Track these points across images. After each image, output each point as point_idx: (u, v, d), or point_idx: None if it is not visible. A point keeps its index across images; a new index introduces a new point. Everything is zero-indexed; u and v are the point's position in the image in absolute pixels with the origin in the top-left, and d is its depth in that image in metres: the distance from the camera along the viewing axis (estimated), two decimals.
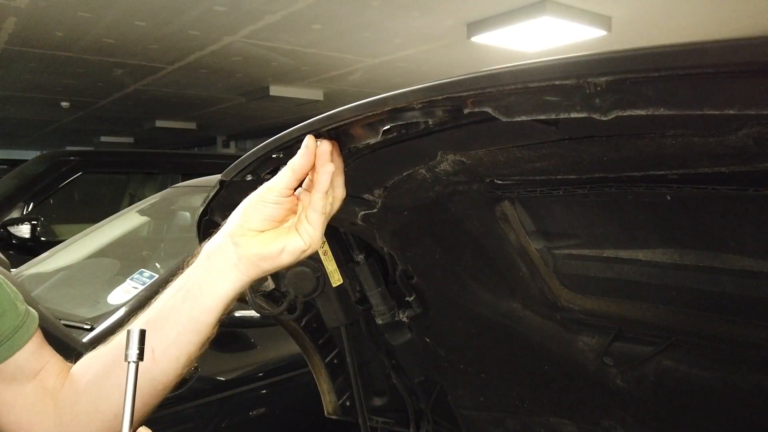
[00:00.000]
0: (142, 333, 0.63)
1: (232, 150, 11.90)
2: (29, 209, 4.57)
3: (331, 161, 0.73)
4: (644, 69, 0.47)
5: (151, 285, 2.12)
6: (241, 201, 0.77)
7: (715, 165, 0.65)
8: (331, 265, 1.22)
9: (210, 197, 1.04)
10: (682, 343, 0.96)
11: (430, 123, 0.70)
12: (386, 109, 0.68)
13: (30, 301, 0.86)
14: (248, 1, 3.86)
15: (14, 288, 0.83)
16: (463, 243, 1.07)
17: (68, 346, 1.75)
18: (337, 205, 0.77)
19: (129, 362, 0.62)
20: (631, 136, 0.65)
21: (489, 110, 0.61)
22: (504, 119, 0.61)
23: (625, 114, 0.52)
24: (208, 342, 0.78)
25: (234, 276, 0.75)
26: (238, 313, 2.01)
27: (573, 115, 0.55)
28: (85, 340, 1.89)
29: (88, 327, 1.95)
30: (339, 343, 1.42)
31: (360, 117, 0.71)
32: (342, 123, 0.73)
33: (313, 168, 0.73)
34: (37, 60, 5.45)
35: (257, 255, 0.74)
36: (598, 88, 0.51)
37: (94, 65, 5.63)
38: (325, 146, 0.73)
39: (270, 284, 1.24)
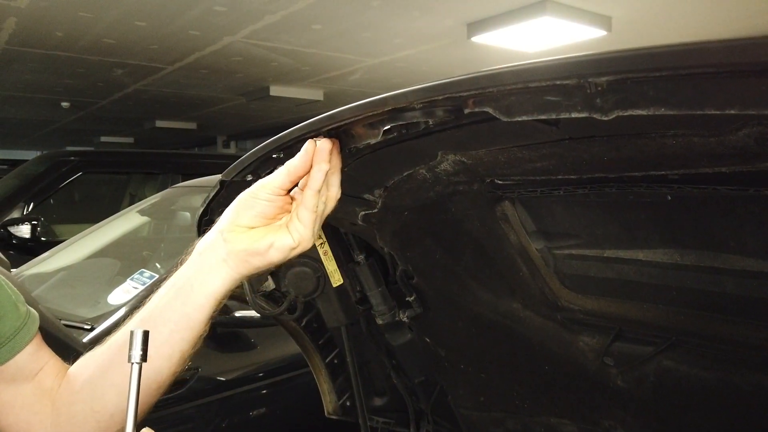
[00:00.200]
0: (146, 334, 0.63)
1: (232, 150, 11.90)
2: (29, 209, 4.57)
3: (329, 160, 0.73)
4: (645, 69, 0.47)
5: (151, 285, 2.12)
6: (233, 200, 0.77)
7: (716, 165, 0.65)
8: (331, 266, 1.22)
9: (210, 197, 1.04)
10: (682, 343, 0.96)
11: (431, 123, 0.70)
12: (387, 109, 0.68)
13: (30, 302, 0.86)
14: (248, 1, 3.86)
15: (15, 289, 0.83)
16: (464, 243, 1.07)
17: (68, 347, 1.75)
18: (331, 205, 0.76)
19: (132, 363, 0.62)
20: (632, 136, 0.65)
21: (489, 110, 0.61)
22: (505, 119, 0.61)
23: (626, 114, 0.52)
24: (201, 340, 0.78)
25: (224, 272, 0.75)
26: (238, 313, 2.01)
27: (574, 115, 0.55)
28: (85, 340, 1.89)
29: (89, 327, 1.96)
30: (339, 343, 1.41)
31: (360, 117, 0.71)
32: (342, 123, 0.73)
33: (310, 167, 0.73)
34: (37, 60, 5.45)
35: (246, 251, 0.74)
36: (599, 88, 0.51)
37: (95, 65, 5.63)
38: (324, 144, 0.73)
39: (270, 284, 1.24)
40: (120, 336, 0.77)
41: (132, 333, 0.63)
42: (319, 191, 0.73)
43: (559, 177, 0.83)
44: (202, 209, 1.09)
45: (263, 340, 2.24)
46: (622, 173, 0.76)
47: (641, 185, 0.77)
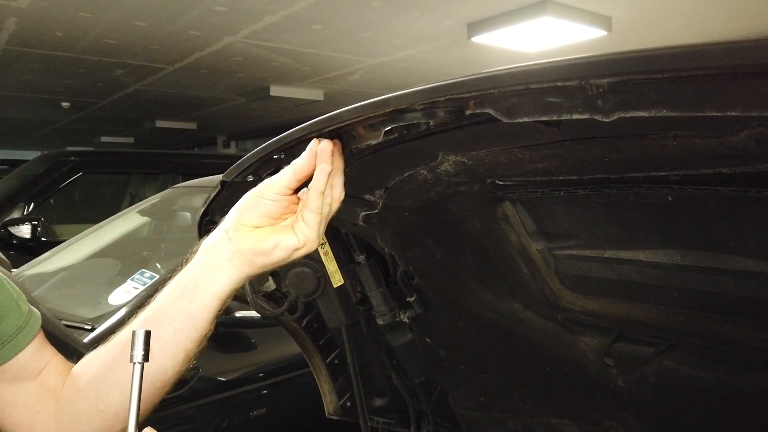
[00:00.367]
0: (147, 334, 0.63)
1: (232, 150, 11.91)
2: (30, 209, 4.57)
3: (330, 161, 0.73)
4: (647, 71, 0.47)
5: (151, 285, 2.12)
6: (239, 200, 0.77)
7: (717, 166, 0.65)
8: (332, 266, 1.22)
9: (211, 198, 1.04)
10: (683, 344, 0.96)
11: (432, 124, 0.70)
12: (388, 110, 0.68)
13: (31, 302, 0.86)
14: (248, 1, 3.86)
15: (17, 288, 0.83)
16: (464, 244, 1.07)
17: (69, 347, 1.75)
18: (335, 206, 0.76)
19: (134, 363, 0.62)
20: (633, 137, 0.65)
21: (491, 111, 0.61)
22: (506, 120, 0.61)
23: (627, 116, 0.52)
24: (206, 339, 0.78)
25: (229, 271, 0.75)
26: (238, 314, 2.01)
27: (575, 116, 0.55)
28: (85, 340, 1.89)
29: (89, 327, 1.96)
30: (340, 343, 1.42)
31: (362, 118, 0.71)
32: (344, 124, 0.73)
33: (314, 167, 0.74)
34: (37, 60, 5.46)
35: (250, 250, 0.74)
36: (601, 90, 0.51)
37: (95, 65, 5.63)
38: (325, 146, 0.73)
39: (271, 285, 1.24)
40: (124, 335, 0.77)
41: (134, 333, 0.63)
42: (323, 192, 0.73)
43: (560, 178, 0.83)
44: (203, 209, 1.10)
45: (264, 341, 2.25)
46: (623, 174, 0.76)
47: (642, 186, 0.77)
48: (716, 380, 0.94)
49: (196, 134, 10.77)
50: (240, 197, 0.78)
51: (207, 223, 1.11)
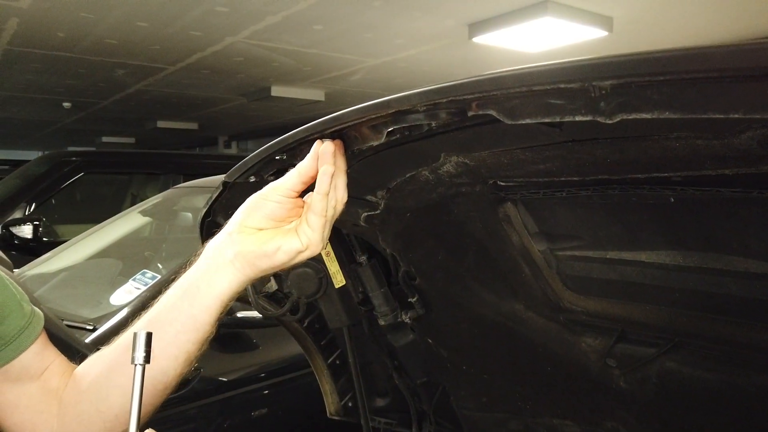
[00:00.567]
0: (149, 336, 0.63)
1: (233, 150, 11.92)
2: (31, 210, 4.58)
3: (333, 162, 0.73)
4: (649, 73, 0.47)
5: (153, 285, 2.12)
6: (243, 202, 0.77)
7: (719, 167, 0.65)
8: (333, 267, 1.22)
9: (213, 198, 1.04)
10: (685, 344, 0.96)
11: (434, 125, 0.70)
12: (390, 112, 0.68)
13: (32, 302, 0.86)
14: (250, 1, 3.86)
15: (20, 288, 0.83)
16: (466, 244, 1.07)
17: (71, 347, 1.75)
18: (339, 208, 0.76)
19: (136, 365, 0.62)
20: (635, 139, 0.65)
21: (493, 113, 0.61)
22: (508, 122, 0.61)
23: (630, 117, 0.52)
24: (207, 342, 0.78)
25: (231, 274, 0.75)
26: (240, 314, 2.02)
27: (578, 118, 0.55)
28: (87, 340, 1.89)
29: (91, 327, 1.96)
30: (341, 344, 1.42)
31: (364, 119, 0.71)
32: (346, 125, 0.73)
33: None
34: (39, 60, 5.46)
35: (253, 252, 0.73)
36: (603, 92, 0.51)
37: (96, 66, 5.64)
38: (327, 147, 0.73)
39: (273, 285, 1.24)
40: (127, 337, 0.77)
41: (135, 335, 0.63)
42: (327, 194, 0.72)
43: (562, 179, 0.83)
44: (205, 210, 1.10)
45: (265, 341, 2.25)
46: (625, 175, 0.76)
47: (644, 187, 0.77)
48: (718, 381, 0.94)
49: (197, 134, 10.78)
50: (242, 198, 0.78)
51: (209, 223, 1.12)
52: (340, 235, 1.22)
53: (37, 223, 4.41)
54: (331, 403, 1.48)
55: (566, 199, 0.89)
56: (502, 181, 0.89)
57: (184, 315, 0.75)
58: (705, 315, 0.90)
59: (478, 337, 1.24)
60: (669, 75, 0.46)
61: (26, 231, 4.36)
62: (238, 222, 0.75)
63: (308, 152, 0.74)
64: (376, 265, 1.24)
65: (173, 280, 0.79)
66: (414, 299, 1.23)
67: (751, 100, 0.45)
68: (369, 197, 1.00)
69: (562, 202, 0.90)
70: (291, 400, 2.27)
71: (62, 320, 1.97)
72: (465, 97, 0.61)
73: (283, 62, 5.53)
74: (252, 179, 0.91)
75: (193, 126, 9.78)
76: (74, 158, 4.93)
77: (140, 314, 0.78)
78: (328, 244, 1.21)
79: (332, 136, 0.76)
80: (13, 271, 2.38)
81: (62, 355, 0.84)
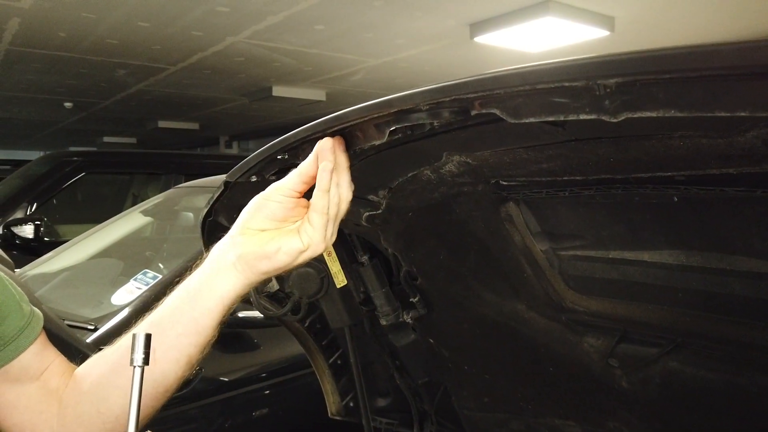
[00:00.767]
0: (148, 337, 0.63)
1: (234, 150, 11.92)
2: (33, 209, 4.58)
3: (332, 159, 0.72)
4: (655, 71, 0.46)
5: (154, 285, 2.12)
6: (245, 202, 0.77)
7: (724, 166, 0.65)
8: (335, 266, 1.22)
9: (214, 198, 1.04)
10: (688, 344, 0.95)
11: (436, 124, 0.69)
12: (393, 111, 0.68)
13: (34, 302, 0.86)
14: (251, 1, 3.86)
15: (19, 289, 0.83)
16: (468, 244, 1.07)
17: (72, 347, 1.75)
18: (344, 206, 0.75)
19: (135, 367, 0.62)
20: (639, 138, 0.65)
21: (496, 112, 0.61)
22: (511, 121, 0.60)
23: (635, 116, 0.52)
24: (209, 345, 0.77)
25: (233, 277, 0.74)
26: (241, 314, 2.02)
27: (582, 116, 0.55)
28: (88, 340, 1.89)
29: (92, 327, 1.96)
30: (343, 343, 1.41)
31: (366, 118, 0.71)
32: (348, 124, 0.72)
33: None
34: (40, 60, 5.47)
35: (254, 254, 0.73)
36: (608, 90, 0.51)
37: (97, 66, 5.64)
38: (325, 143, 0.72)
39: (274, 285, 1.24)
40: (128, 338, 0.77)
41: (134, 336, 0.63)
42: (328, 191, 0.72)
43: (565, 178, 0.82)
44: (206, 210, 1.09)
45: (266, 341, 2.25)
46: (628, 174, 0.76)
47: (648, 186, 0.77)
48: (721, 381, 0.94)
49: (198, 134, 10.78)
50: (243, 198, 0.77)
51: (210, 223, 1.11)
52: (341, 234, 1.22)
53: (39, 222, 4.42)
54: (332, 403, 1.47)
55: (569, 199, 0.88)
56: (505, 181, 0.89)
57: (186, 318, 0.75)
58: (708, 315, 0.90)
59: (479, 337, 1.24)
60: (675, 73, 0.45)
61: (27, 231, 4.36)
62: (241, 224, 0.75)
63: (310, 152, 0.74)
64: (378, 265, 1.24)
65: (177, 281, 0.79)
66: (415, 299, 1.22)
67: (758, 98, 0.45)
68: (371, 197, 1.00)
69: (565, 201, 0.90)
70: (292, 400, 2.26)
71: (63, 320, 1.97)
72: (468, 95, 0.61)
73: (284, 62, 5.53)
74: (253, 179, 0.90)
75: (195, 126, 9.78)
76: (75, 158, 4.94)
77: (143, 316, 0.78)
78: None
79: (334, 135, 0.76)
80: (14, 271, 2.38)
81: (62, 356, 0.84)
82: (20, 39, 4.73)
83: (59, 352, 0.84)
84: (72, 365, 0.84)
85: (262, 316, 1.59)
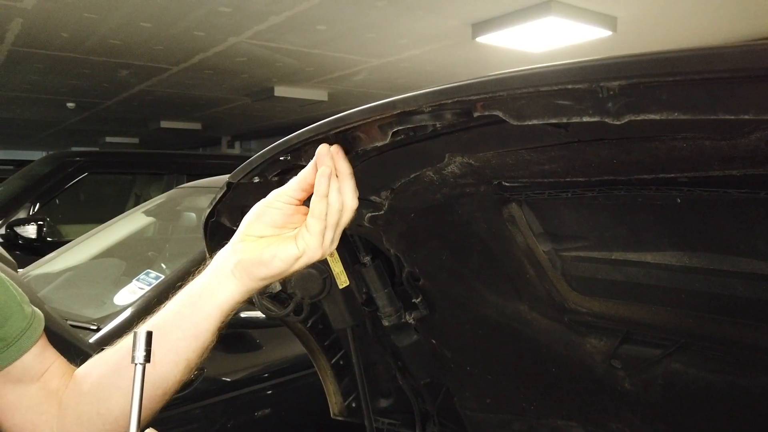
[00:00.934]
0: (149, 335, 0.63)
1: (236, 150, 11.94)
2: (35, 210, 4.59)
3: (330, 163, 0.71)
4: (659, 73, 0.46)
5: (157, 286, 2.12)
6: (248, 202, 0.77)
7: (727, 168, 0.65)
8: (337, 267, 1.22)
9: (217, 199, 1.04)
10: (691, 346, 0.95)
11: (438, 126, 0.70)
12: (395, 112, 0.68)
13: (36, 302, 0.86)
14: (253, 2, 3.86)
15: (20, 290, 0.83)
16: (470, 245, 1.07)
17: (75, 347, 1.76)
18: (348, 215, 0.74)
19: (136, 364, 0.62)
20: (642, 139, 0.65)
21: (499, 114, 0.61)
22: (514, 123, 0.60)
23: (638, 118, 0.52)
24: (208, 350, 0.78)
25: (231, 283, 0.75)
26: (244, 314, 2.02)
27: (585, 119, 0.55)
28: (91, 340, 1.89)
29: (95, 327, 1.96)
30: (345, 344, 1.42)
31: (369, 120, 0.71)
32: (351, 125, 0.73)
33: None
34: (42, 61, 5.48)
35: (251, 260, 0.73)
36: (611, 92, 0.51)
37: (100, 66, 5.65)
38: (323, 149, 0.72)
39: (277, 286, 1.24)
40: (128, 339, 0.77)
41: (135, 334, 0.63)
42: (326, 197, 0.71)
43: (567, 179, 0.82)
44: (208, 210, 1.09)
45: (269, 341, 2.25)
46: (631, 176, 0.76)
47: (650, 188, 0.77)
48: (724, 382, 0.94)
49: (200, 134, 10.79)
50: (246, 198, 0.78)
51: (213, 224, 1.11)
52: (344, 235, 1.22)
53: (41, 223, 4.43)
54: (334, 403, 1.47)
55: (571, 200, 0.88)
56: (507, 182, 0.89)
57: (186, 322, 0.76)
58: (711, 316, 0.90)
59: (482, 338, 1.24)
60: (678, 75, 0.45)
61: (30, 231, 4.37)
62: (242, 231, 0.75)
63: (313, 153, 0.74)
64: (380, 266, 1.24)
65: (179, 285, 0.79)
66: (418, 300, 1.22)
67: (762, 100, 0.45)
68: (373, 198, 1.00)
69: (567, 202, 0.90)
70: (294, 401, 2.27)
71: (66, 320, 1.97)
72: (471, 97, 0.61)
73: (287, 62, 5.53)
74: (256, 180, 0.90)
75: (197, 126, 9.79)
76: (78, 158, 4.95)
77: (144, 318, 0.79)
78: None
79: (337, 137, 0.76)
80: (17, 271, 2.39)
81: (62, 357, 0.84)
82: (23, 39, 4.74)
83: (59, 354, 0.84)
84: (72, 366, 0.84)
85: (264, 316, 1.59)
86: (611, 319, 1.01)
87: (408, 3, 3.90)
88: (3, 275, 0.82)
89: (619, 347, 1.03)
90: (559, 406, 1.22)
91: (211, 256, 0.80)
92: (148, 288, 2.14)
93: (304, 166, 0.75)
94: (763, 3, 4.03)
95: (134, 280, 2.23)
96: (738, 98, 0.46)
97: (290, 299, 1.23)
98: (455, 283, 1.17)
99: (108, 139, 11.87)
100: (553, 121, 0.58)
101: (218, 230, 1.11)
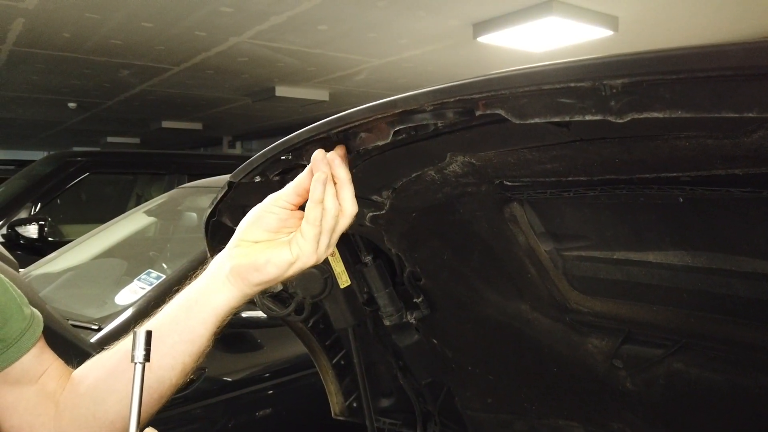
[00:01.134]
0: (149, 334, 0.63)
1: (237, 150, 11.94)
2: (37, 209, 4.59)
3: (326, 169, 0.71)
4: (661, 71, 0.46)
5: (158, 285, 2.12)
6: (249, 202, 0.77)
7: (729, 167, 0.65)
8: (338, 267, 1.22)
9: (218, 198, 1.04)
10: (692, 345, 0.95)
11: (440, 125, 0.69)
12: (397, 112, 0.68)
13: (38, 302, 0.86)
14: (254, 2, 3.86)
15: (19, 291, 0.83)
16: (472, 244, 1.06)
17: (76, 347, 1.76)
18: (345, 221, 0.73)
19: (136, 363, 0.62)
20: (644, 138, 0.65)
21: (501, 113, 0.60)
22: (516, 122, 0.60)
23: (641, 117, 0.51)
24: (203, 354, 0.78)
25: (226, 289, 0.75)
26: (245, 314, 2.02)
27: (587, 117, 0.55)
28: (92, 340, 1.89)
29: (96, 327, 1.96)
30: (346, 344, 1.41)
31: (370, 119, 0.70)
32: (352, 125, 0.72)
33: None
34: (44, 61, 5.48)
35: (245, 266, 0.73)
36: (614, 91, 0.50)
37: (101, 66, 5.65)
38: (318, 154, 0.71)
39: (278, 285, 1.24)
40: (126, 342, 0.77)
41: (135, 333, 0.63)
42: (321, 202, 0.70)
43: (569, 178, 0.82)
44: (210, 210, 1.09)
45: (270, 341, 2.25)
46: (633, 175, 0.75)
47: (652, 187, 0.77)
48: (725, 382, 0.94)
49: (201, 134, 10.79)
50: (247, 198, 0.78)
51: (214, 223, 1.11)
52: (345, 235, 1.21)
53: (43, 222, 4.43)
54: (335, 403, 1.47)
55: (573, 199, 0.88)
56: (509, 181, 0.89)
57: (182, 326, 0.76)
58: (713, 316, 0.90)
59: (483, 338, 1.24)
60: (682, 73, 0.45)
61: (31, 231, 4.37)
62: (238, 236, 0.75)
63: (314, 152, 0.74)
64: (382, 266, 1.24)
65: (176, 289, 0.79)
66: (419, 299, 1.22)
67: (766, 98, 0.45)
68: (374, 197, 1.00)
69: (569, 202, 0.90)
70: (295, 401, 2.26)
71: (67, 320, 1.97)
72: (473, 96, 0.60)
73: (288, 62, 5.53)
74: (257, 179, 0.90)
75: (198, 126, 9.79)
76: (79, 158, 4.95)
77: (143, 320, 0.78)
78: None
79: (338, 136, 0.75)
80: (18, 271, 2.39)
81: (59, 359, 0.84)
82: (24, 39, 4.74)
83: (56, 356, 0.84)
84: (69, 368, 0.84)
85: (265, 316, 1.59)
86: (613, 319, 1.01)
87: (409, 3, 3.90)
88: (3, 276, 0.82)
89: (620, 347, 1.02)
90: (560, 406, 1.22)
91: (213, 256, 0.80)
92: (149, 288, 2.14)
93: (305, 166, 0.74)
94: (765, 2, 4.03)
95: (135, 280, 2.23)
96: (741, 96, 0.46)
97: (291, 299, 1.23)
98: (456, 282, 1.16)
99: (109, 139, 11.87)
100: (556, 119, 0.58)
101: (219, 230, 1.11)
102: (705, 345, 0.94)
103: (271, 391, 2.21)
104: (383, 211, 1.01)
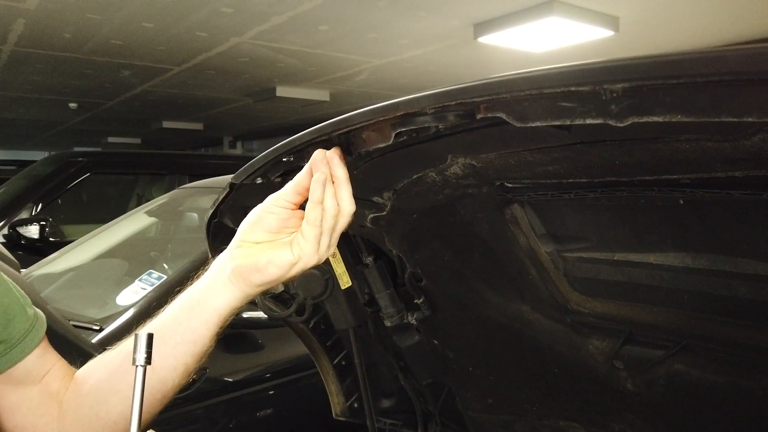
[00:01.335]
0: (150, 337, 0.63)
1: (238, 150, 11.94)
2: (38, 210, 4.60)
3: (325, 169, 0.71)
4: (661, 76, 0.46)
5: (159, 286, 2.13)
6: (250, 203, 0.77)
7: (729, 169, 0.65)
8: (339, 268, 1.22)
9: (220, 199, 1.04)
10: (693, 347, 0.95)
11: (441, 127, 0.70)
12: (398, 114, 0.68)
13: (39, 302, 0.87)
14: (255, 2, 3.87)
15: (23, 292, 0.83)
16: (473, 246, 1.07)
17: (77, 347, 1.76)
18: (344, 220, 0.73)
19: (137, 366, 0.62)
20: (644, 141, 0.65)
21: (502, 116, 0.61)
22: (517, 125, 0.60)
23: (641, 121, 0.52)
24: (206, 355, 0.78)
25: (228, 290, 0.75)
26: (246, 314, 2.02)
27: (588, 121, 0.55)
28: (94, 340, 1.90)
29: (97, 327, 1.96)
30: (347, 344, 1.42)
31: (372, 121, 0.71)
32: (354, 127, 0.73)
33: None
34: (45, 61, 5.49)
35: (246, 266, 0.73)
36: (614, 95, 0.51)
37: (102, 66, 5.66)
38: (318, 155, 0.72)
39: (279, 286, 1.24)
40: (128, 342, 0.77)
41: (136, 336, 0.63)
42: (321, 203, 0.71)
43: (570, 180, 0.82)
44: (211, 211, 1.10)
45: (271, 342, 2.25)
46: (633, 177, 0.76)
47: (653, 189, 0.77)
48: (726, 383, 0.94)
49: (202, 135, 10.80)
50: (249, 199, 0.78)
51: (216, 224, 1.12)
52: (346, 236, 1.22)
53: (44, 223, 4.43)
54: (336, 403, 1.48)
55: (574, 201, 0.88)
56: (509, 183, 0.89)
57: (184, 327, 0.76)
58: (713, 317, 0.90)
59: (484, 339, 1.24)
60: (682, 78, 0.45)
61: (33, 231, 4.38)
62: (239, 237, 0.75)
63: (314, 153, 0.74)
64: (383, 267, 1.24)
65: (178, 290, 0.79)
66: (420, 300, 1.23)
67: (766, 103, 0.45)
68: (375, 198, 1.00)
69: (570, 203, 0.90)
70: (296, 401, 2.27)
71: (69, 320, 1.97)
72: (474, 99, 0.61)
73: (288, 63, 5.54)
74: (259, 181, 0.91)
75: (199, 126, 9.80)
76: (80, 158, 4.95)
77: (144, 321, 0.79)
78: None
79: (339, 138, 0.76)
80: (20, 272, 2.39)
81: (62, 359, 0.85)
82: (25, 40, 4.75)
83: (59, 356, 0.85)
84: (72, 369, 0.84)
85: (266, 317, 1.59)
86: (613, 320, 1.01)
87: (410, 3, 3.90)
88: (6, 277, 0.82)
89: (621, 348, 1.03)
90: (561, 406, 1.22)
91: (214, 257, 0.80)
92: (150, 288, 2.14)
93: None
94: (765, 3, 4.02)
95: (137, 281, 2.23)
96: (741, 101, 0.46)
97: (293, 300, 1.24)
98: (457, 283, 1.17)
99: (110, 140, 11.88)
100: (556, 123, 0.58)
101: (221, 231, 1.11)
102: (706, 346, 0.94)
103: (272, 392, 2.22)
104: (384, 213, 1.01)
